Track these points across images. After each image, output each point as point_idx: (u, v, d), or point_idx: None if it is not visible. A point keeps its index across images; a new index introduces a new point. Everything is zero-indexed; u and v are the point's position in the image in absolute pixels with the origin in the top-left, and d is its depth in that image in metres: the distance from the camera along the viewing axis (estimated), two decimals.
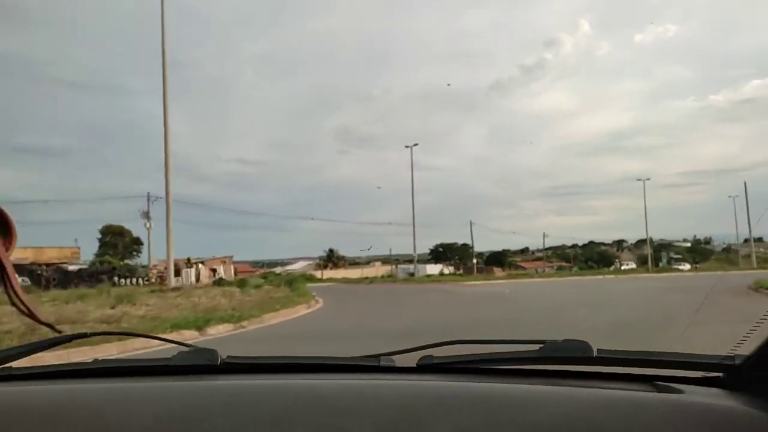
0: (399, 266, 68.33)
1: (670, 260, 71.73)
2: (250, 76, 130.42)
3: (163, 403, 0.98)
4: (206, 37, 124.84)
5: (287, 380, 1.11)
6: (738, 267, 59.94)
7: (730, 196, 70.49)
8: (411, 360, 1.18)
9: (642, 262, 77.06)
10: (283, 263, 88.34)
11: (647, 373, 1.08)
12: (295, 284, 20.12)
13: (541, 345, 1.11)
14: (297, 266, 78.86)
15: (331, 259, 76.05)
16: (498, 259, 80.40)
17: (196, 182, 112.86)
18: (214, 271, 44.68)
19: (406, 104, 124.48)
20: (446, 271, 65.10)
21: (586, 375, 1.09)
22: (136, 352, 6.81)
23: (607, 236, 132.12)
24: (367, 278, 48.33)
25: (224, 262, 46.56)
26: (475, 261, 61.07)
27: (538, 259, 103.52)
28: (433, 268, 64.27)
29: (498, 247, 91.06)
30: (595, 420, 0.86)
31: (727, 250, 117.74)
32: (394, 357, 1.21)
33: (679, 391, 0.94)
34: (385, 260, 77.65)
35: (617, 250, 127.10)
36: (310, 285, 37.84)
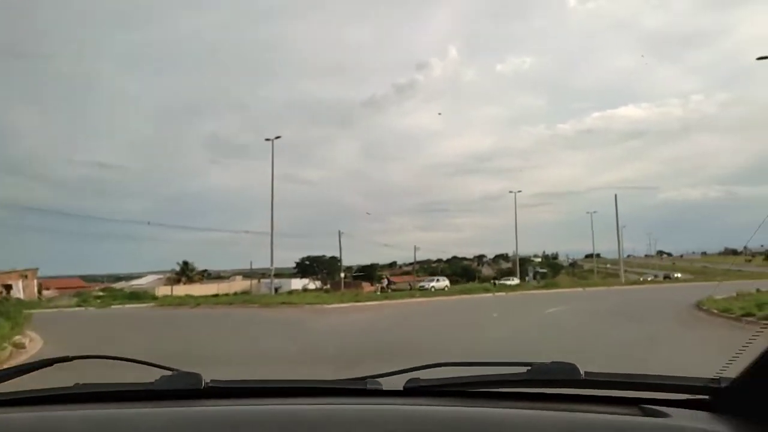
0: (262, 281, 61.11)
1: (536, 275, 71.60)
2: (114, 73, 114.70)
3: (146, 429, 0.96)
4: (63, 27, 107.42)
5: (272, 405, 1.09)
6: (591, 282, 59.36)
7: (588, 212, 72.64)
8: (397, 383, 1.16)
9: (504, 275, 76.93)
10: (128, 277, 76.01)
11: (635, 396, 1.06)
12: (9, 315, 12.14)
13: (529, 367, 1.09)
14: (144, 281, 67.80)
15: (186, 273, 65.80)
16: (367, 273, 75.47)
17: (44, 185, 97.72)
18: (8, 287, 33.88)
19: (281, 115, 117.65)
20: (312, 286, 58.57)
21: (573, 398, 1.08)
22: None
23: (469, 252, 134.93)
24: (218, 295, 40.41)
25: (25, 276, 35.65)
26: (342, 275, 54.78)
27: (407, 273, 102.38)
28: (299, 283, 57.49)
29: (367, 261, 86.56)
30: None
31: (573, 265, 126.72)
32: (380, 380, 1.19)
33: (666, 415, 0.93)
34: (248, 274, 69.74)
35: (477, 264, 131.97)
36: (130, 306, 28.89)
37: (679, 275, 76.81)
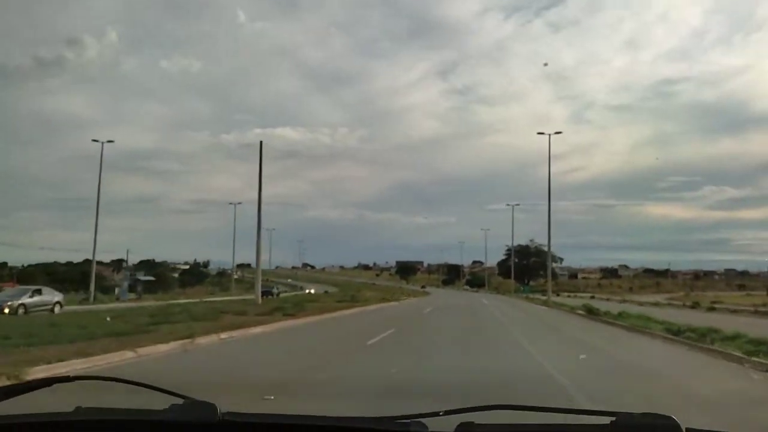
0: None
1: (135, 284, 52.17)
2: None
3: None
4: None
5: None
6: (229, 292, 55.08)
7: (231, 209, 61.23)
8: (446, 425, 0.96)
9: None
10: None
11: None
12: None
13: (613, 418, 0.89)
14: None
15: None
16: None
17: None
18: None
19: None
20: None
21: None
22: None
23: (110, 257, 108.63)
24: None
25: None
26: None
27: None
28: None
29: None
30: None
31: (222, 274, 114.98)
32: (425, 420, 0.98)
33: None
34: None
35: (114, 270, 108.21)
36: None
37: (313, 291, 68.60)
